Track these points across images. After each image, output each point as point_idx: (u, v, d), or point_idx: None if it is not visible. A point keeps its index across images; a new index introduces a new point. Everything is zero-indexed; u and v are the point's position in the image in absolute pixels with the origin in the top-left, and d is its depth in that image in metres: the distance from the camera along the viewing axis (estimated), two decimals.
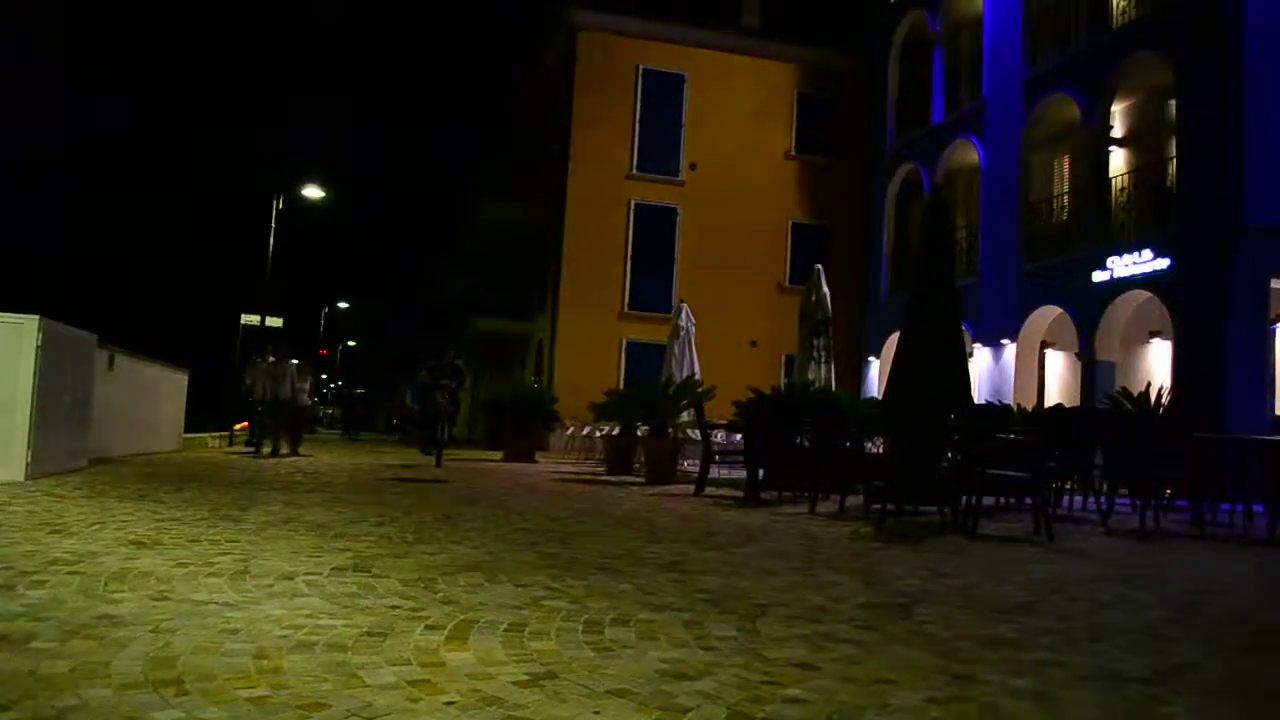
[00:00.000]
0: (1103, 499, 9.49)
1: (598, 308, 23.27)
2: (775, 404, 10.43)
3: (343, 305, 58.94)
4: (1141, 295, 16.13)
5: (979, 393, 17.52)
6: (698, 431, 11.65)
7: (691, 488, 10.72)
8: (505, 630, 3.16)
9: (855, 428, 9.96)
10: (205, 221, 71.25)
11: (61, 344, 8.74)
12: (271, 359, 15.89)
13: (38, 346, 8.06)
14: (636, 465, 13.69)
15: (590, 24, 23.90)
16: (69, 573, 3.77)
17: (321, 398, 72.91)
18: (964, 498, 7.51)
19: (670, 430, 13.25)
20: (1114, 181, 17.28)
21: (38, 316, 8.14)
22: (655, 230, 24.01)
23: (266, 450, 15.02)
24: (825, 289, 13.80)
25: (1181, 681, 2.93)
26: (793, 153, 25.09)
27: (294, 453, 15.14)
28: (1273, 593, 5.37)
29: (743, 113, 24.58)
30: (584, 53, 23.86)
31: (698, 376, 14.70)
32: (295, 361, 15.75)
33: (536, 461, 17.24)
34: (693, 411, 12.60)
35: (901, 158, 23.59)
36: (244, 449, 16.61)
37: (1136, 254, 15.93)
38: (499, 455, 18.04)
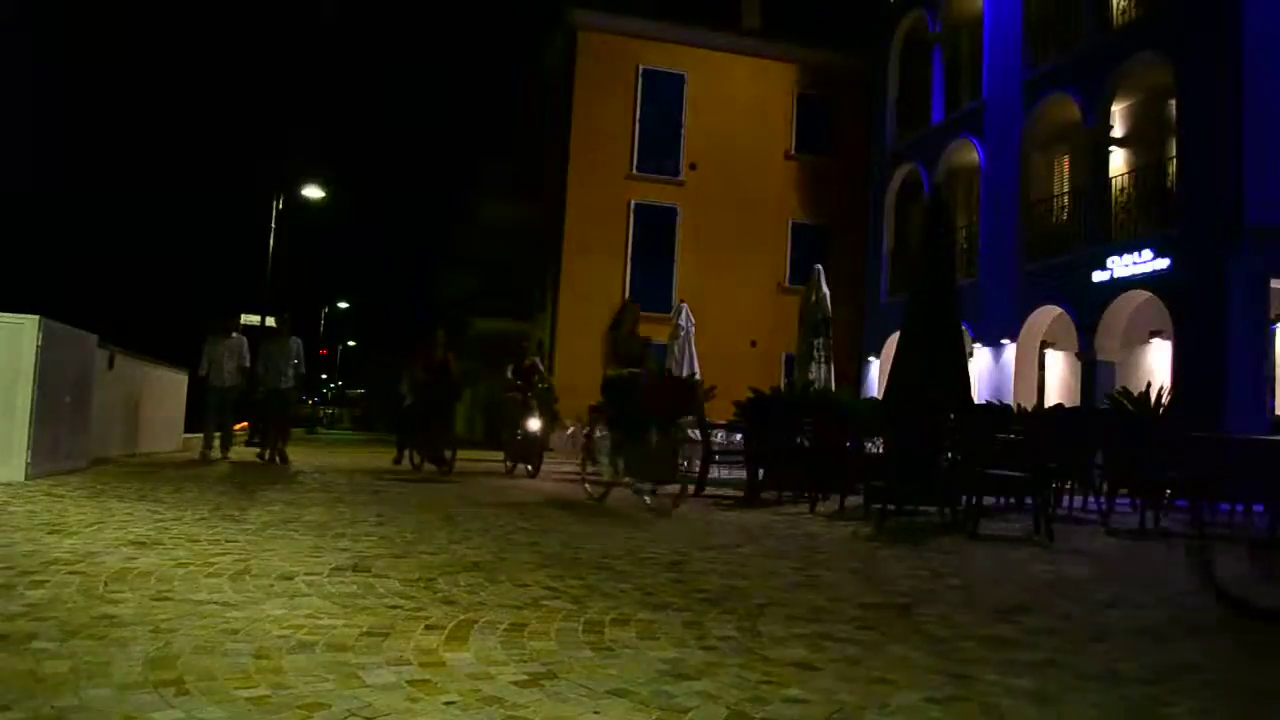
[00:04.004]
0: (1103, 499, 9.49)
1: (598, 308, 23.24)
2: (775, 404, 10.43)
3: (343, 305, 58.94)
4: (1141, 295, 16.12)
5: (979, 393, 17.50)
6: (698, 431, 11.65)
7: (692, 488, 10.71)
8: (505, 630, 3.16)
9: (855, 428, 9.96)
10: (205, 221, 71.16)
11: (61, 344, 8.72)
12: (238, 334, 12.93)
13: (38, 346, 8.05)
14: None
15: (590, 24, 23.90)
16: (69, 573, 3.77)
17: (321, 397, 72.78)
18: (964, 498, 7.52)
19: (670, 430, 13.21)
20: (1114, 181, 17.27)
21: (38, 316, 8.12)
22: (655, 230, 24.01)
23: (215, 453, 12.47)
24: (825, 289, 13.79)
25: (1182, 682, 2.93)
26: (793, 153, 25.09)
27: (283, 456, 12.40)
28: (1272, 593, 5.36)
29: (743, 113, 24.57)
30: (584, 53, 23.86)
31: (698, 376, 14.69)
32: (297, 340, 12.97)
33: None
34: None
35: (901, 158, 23.56)
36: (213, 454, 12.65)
37: (1136, 254, 15.92)
38: (500, 455, 17.98)
